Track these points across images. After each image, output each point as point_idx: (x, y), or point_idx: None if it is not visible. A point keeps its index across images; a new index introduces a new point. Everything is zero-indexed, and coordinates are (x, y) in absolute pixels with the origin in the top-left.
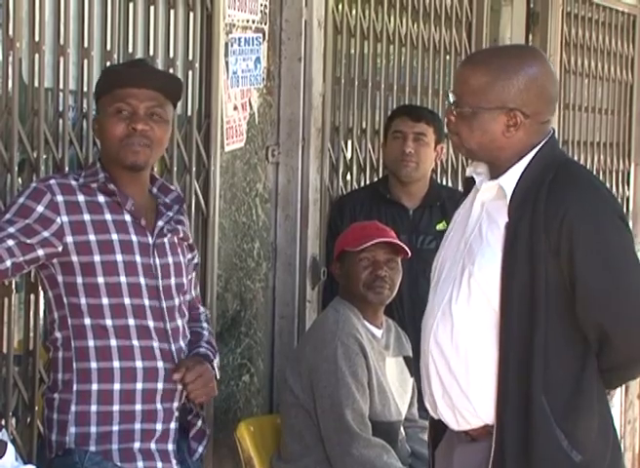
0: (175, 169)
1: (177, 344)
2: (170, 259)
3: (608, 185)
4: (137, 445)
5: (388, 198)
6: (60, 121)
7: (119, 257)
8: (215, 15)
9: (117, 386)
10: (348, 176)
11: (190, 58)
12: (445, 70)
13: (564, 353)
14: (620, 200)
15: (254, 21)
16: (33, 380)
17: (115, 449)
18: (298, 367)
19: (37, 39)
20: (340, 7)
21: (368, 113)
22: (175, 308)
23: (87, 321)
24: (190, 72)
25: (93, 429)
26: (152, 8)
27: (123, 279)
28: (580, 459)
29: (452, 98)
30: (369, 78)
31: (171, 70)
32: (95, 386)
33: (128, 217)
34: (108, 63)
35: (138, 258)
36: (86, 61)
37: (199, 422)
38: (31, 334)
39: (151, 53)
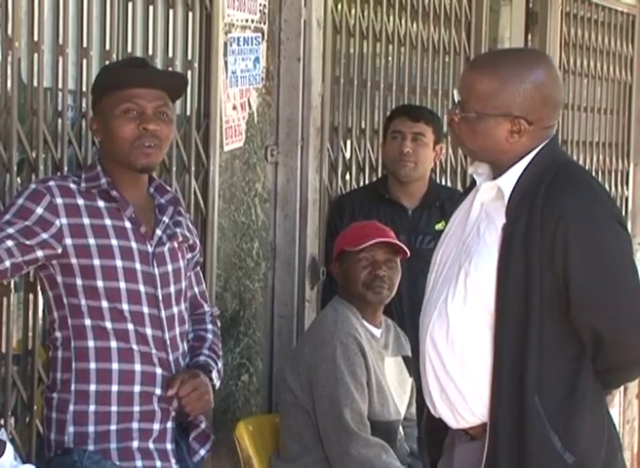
0: (174, 168)
1: (175, 354)
2: (169, 267)
3: (607, 185)
4: (135, 444)
5: (387, 198)
6: (59, 121)
7: (119, 263)
8: (214, 14)
9: (115, 388)
10: (347, 176)
11: (189, 57)
12: (444, 70)
13: (558, 354)
14: (618, 200)
15: (253, 21)
16: (32, 380)
17: (114, 448)
18: (297, 366)
19: (36, 39)
20: (339, 7)
21: (367, 113)
22: (174, 317)
23: (87, 321)
24: (189, 72)
25: (91, 428)
26: (151, 8)
27: (122, 285)
28: (573, 461)
29: (457, 98)
30: (368, 78)
31: (170, 70)
32: (93, 387)
33: (128, 224)
34: (107, 63)
35: (137, 266)
36: (85, 61)
37: (202, 424)
38: (30, 334)
39: (150, 52)
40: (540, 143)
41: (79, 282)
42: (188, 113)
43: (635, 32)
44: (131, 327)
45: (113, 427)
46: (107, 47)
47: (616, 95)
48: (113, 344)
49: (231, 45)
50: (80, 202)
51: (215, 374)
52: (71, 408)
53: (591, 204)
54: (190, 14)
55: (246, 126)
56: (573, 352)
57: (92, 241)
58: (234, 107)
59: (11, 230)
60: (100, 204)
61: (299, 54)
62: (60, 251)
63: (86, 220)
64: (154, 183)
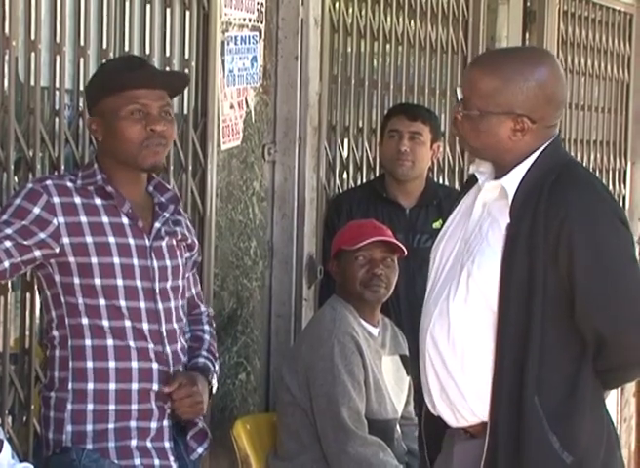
0: (171, 167)
1: (172, 347)
2: (167, 262)
3: (604, 184)
4: (133, 442)
5: (385, 197)
6: (57, 119)
7: (116, 260)
8: (211, 13)
9: (113, 386)
10: (345, 175)
11: (187, 56)
12: (442, 69)
13: (559, 355)
14: (616, 198)
15: (250, 20)
16: (29, 379)
17: (112, 447)
18: (294, 365)
19: (33, 37)
20: (336, 5)
21: (364, 112)
22: (171, 310)
23: (84, 320)
24: (187, 71)
25: (89, 427)
26: (149, 6)
27: (120, 282)
28: (572, 461)
29: (460, 96)
30: (365, 77)
31: (167, 69)
32: (90, 385)
33: (125, 220)
34: (104, 62)
35: (135, 261)
36: (82, 60)
37: (200, 423)
38: (27, 333)
39: (148, 51)
40: (543, 143)
41: (77, 280)
42: (186, 112)
43: (632, 31)
44: (128, 323)
45: (111, 425)
46: (105, 45)
47: (613, 93)
48: (110, 342)
49: (229, 44)
50: (77, 200)
51: (214, 378)
52: (69, 406)
53: (593, 204)
54: (188, 12)
55: (243, 124)
56: (574, 352)
57: (89, 239)
58: (232, 106)
59: (8, 231)
60: (97, 201)
61: (296, 52)
62: (57, 250)
63: (83, 219)
64: (153, 182)
